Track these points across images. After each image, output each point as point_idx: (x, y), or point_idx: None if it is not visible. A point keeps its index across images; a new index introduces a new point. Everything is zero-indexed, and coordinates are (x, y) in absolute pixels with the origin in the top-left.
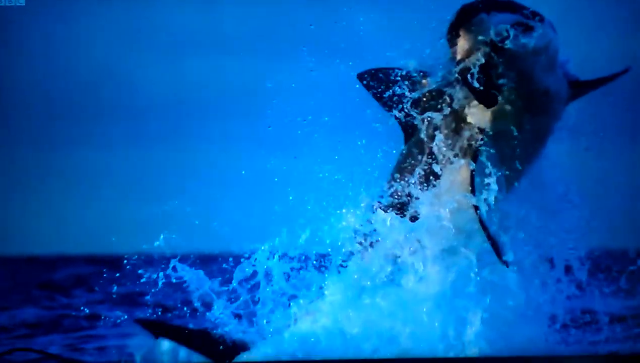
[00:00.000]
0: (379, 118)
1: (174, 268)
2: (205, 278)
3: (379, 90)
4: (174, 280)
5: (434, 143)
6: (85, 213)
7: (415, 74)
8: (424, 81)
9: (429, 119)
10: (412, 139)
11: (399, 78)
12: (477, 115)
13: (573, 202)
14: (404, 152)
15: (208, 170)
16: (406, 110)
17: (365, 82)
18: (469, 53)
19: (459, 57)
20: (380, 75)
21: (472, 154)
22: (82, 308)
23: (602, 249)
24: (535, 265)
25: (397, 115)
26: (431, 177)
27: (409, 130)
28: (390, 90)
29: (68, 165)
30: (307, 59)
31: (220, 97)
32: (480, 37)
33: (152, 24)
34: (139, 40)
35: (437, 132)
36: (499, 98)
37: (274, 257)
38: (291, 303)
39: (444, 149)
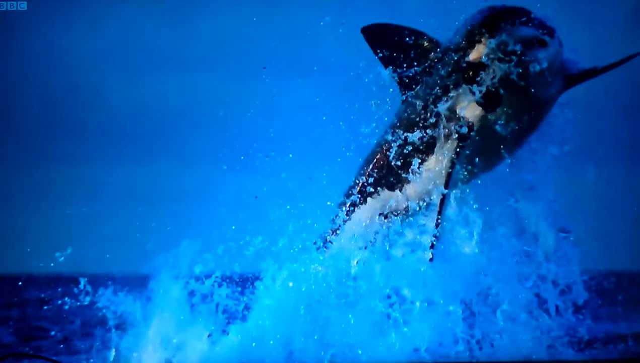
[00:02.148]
0: (347, 139)
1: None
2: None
3: (382, 46)
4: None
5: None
6: (38, 230)
7: (424, 38)
8: (430, 47)
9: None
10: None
11: (406, 38)
12: (462, 120)
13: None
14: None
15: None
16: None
17: (369, 36)
18: (485, 57)
19: (472, 58)
20: (387, 31)
21: (445, 178)
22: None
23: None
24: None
25: (396, 74)
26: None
27: (406, 90)
28: (395, 49)
29: (37, 180)
30: (269, 79)
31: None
32: (501, 47)
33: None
34: (107, 55)
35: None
36: (500, 103)
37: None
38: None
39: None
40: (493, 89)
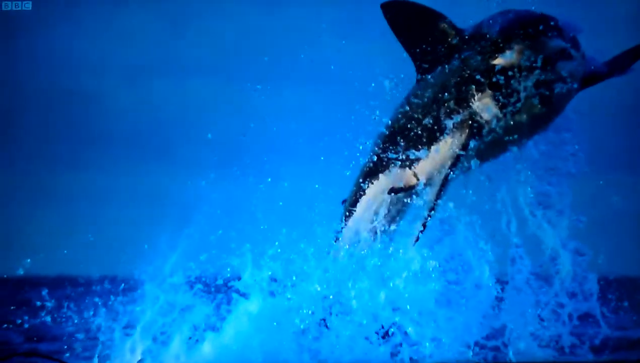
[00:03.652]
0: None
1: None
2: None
3: (402, 24)
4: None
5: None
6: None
7: (449, 24)
8: (453, 36)
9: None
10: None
11: (428, 20)
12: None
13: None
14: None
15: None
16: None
17: (389, 13)
18: (512, 62)
19: (496, 63)
20: (408, 9)
21: (439, 187)
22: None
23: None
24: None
25: (414, 55)
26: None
27: (423, 71)
28: (415, 29)
29: (41, 184)
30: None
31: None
32: (532, 56)
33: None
34: (107, 60)
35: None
36: (518, 112)
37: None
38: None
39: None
40: (513, 97)
